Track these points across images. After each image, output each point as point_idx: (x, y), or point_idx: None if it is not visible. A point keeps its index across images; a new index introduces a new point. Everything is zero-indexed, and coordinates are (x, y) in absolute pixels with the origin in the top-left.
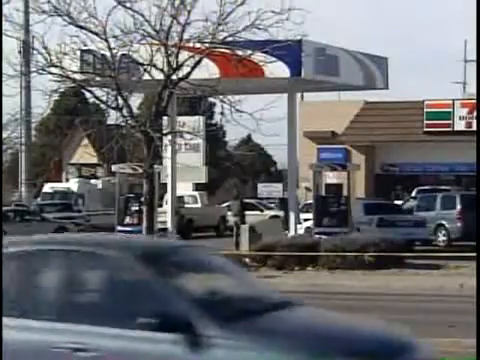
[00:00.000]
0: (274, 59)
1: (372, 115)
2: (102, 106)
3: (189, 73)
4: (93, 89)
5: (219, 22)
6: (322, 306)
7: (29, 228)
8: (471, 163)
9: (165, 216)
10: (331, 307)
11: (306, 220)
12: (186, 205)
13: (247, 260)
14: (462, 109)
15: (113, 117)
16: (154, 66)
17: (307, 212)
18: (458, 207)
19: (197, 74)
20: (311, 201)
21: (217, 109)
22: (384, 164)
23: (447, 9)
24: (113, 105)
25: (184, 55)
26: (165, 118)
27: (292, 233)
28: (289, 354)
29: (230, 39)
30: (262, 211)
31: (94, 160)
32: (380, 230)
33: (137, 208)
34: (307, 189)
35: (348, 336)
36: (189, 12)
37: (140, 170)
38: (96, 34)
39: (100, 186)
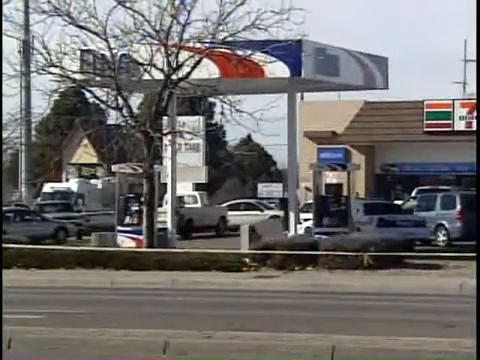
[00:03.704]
0: (274, 59)
1: (372, 115)
2: (102, 106)
3: (189, 73)
4: (93, 89)
5: (219, 22)
6: (323, 306)
7: (29, 228)
8: (471, 163)
9: (165, 216)
10: (331, 307)
11: (306, 220)
12: (186, 205)
13: (247, 260)
14: (462, 109)
15: (113, 117)
16: (154, 66)
17: (307, 212)
18: (458, 207)
19: (197, 74)
20: (311, 201)
21: (217, 109)
22: (384, 164)
23: (447, 9)
24: (113, 105)
25: (184, 55)
26: (165, 118)
27: (292, 233)
28: None
29: (230, 39)
30: (262, 211)
31: (94, 160)
32: (380, 230)
33: (137, 208)
34: (307, 189)
35: None
36: (189, 12)
37: (140, 170)
38: (96, 34)
39: (100, 186)
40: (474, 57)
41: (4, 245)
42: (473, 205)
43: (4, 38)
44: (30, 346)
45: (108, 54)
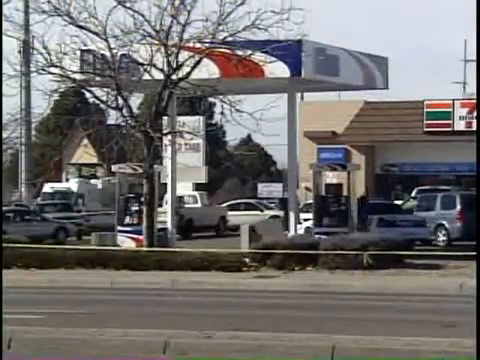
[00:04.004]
0: (274, 59)
1: (372, 115)
2: (102, 106)
3: (189, 73)
4: (93, 89)
5: (219, 22)
6: (323, 306)
7: (29, 228)
8: (471, 163)
9: (165, 216)
10: (331, 307)
11: (306, 220)
12: (186, 205)
13: (247, 260)
14: (462, 109)
15: (113, 117)
16: (154, 66)
17: (307, 212)
18: (458, 207)
19: (197, 74)
20: (311, 201)
21: (217, 109)
22: (384, 164)
23: (447, 9)
24: (113, 105)
25: (184, 55)
26: (165, 118)
27: (292, 233)
28: None
29: (230, 39)
30: (262, 211)
31: (94, 160)
32: (380, 230)
33: (137, 208)
34: (307, 189)
35: None
36: (189, 12)
37: (140, 170)
38: (96, 34)
39: (100, 186)
40: (474, 57)
41: (4, 245)
42: (473, 205)
43: (4, 38)
44: (30, 346)
45: (108, 54)
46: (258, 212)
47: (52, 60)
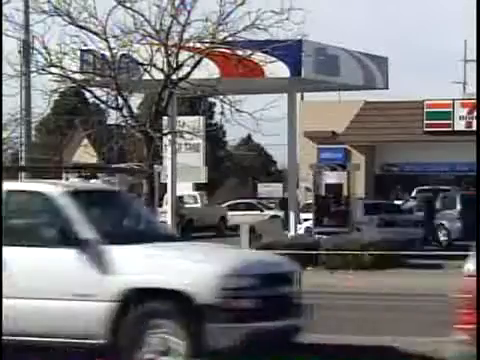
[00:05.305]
0: (274, 59)
1: (372, 115)
2: (102, 106)
3: (189, 73)
4: (93, 89)
5: (219, 22)
6: (322, 306)
7: None
8: (471, 163)
9: (165, 216)
10: (332, 307)
11: (306, 220)
12: (186, 205)
13: None
14: (462, 109)
15: (113, 117)
16: (154, 66)
17: (307, 212)
18: (458, 207)
19: (197, 74)
20: (311, 201)
21: (217, 109)
22: (384, 164)
23: (447, 9)
24: (113, 105)
25: (184, 55)
26: (165, 118)
27: (292, 233)
28: None
29: (230, 39)
30: (262, 211)
31: (94, 160)
32: (380, 230)
33: None
34: (307, 189)
35: None
36: (189, 12)
37: None
38: (96, 34)
39: None
40: (474, 57)
41: None
42: (473, 205)
43: (4, 38)
44: None
45: (108, 54)
46: (258, 212)
47: (52, 60)
